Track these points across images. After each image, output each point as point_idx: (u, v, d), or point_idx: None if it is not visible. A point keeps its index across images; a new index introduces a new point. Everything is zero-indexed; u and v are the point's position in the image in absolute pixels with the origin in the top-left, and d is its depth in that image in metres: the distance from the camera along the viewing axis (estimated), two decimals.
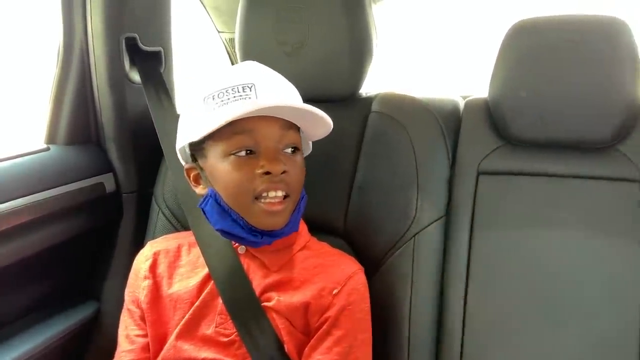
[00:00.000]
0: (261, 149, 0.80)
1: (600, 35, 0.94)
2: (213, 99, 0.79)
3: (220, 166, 0.81)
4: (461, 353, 0.95)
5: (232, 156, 0.80)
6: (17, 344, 1.03)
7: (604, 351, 0.90)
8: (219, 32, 1.86)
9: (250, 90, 0.78)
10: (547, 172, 0.98)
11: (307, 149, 0.92)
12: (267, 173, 0.79)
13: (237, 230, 0.82)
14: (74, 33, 1.13)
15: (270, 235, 0.83)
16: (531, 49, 0.98)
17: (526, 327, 0.93)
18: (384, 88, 1.17)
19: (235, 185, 0.80)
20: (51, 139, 1.19)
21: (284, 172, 0.79)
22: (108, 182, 1.21)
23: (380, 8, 1.52)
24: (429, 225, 0.97)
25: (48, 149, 1.14)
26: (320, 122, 0.83)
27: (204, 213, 0.85)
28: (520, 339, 0.93)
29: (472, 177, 1.01)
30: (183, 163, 0.90)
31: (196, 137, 0.81)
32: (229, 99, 0.78)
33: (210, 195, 0.84)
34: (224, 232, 0.84)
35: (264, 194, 0.80)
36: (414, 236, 0.96)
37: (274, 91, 0.80)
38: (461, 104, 1.12)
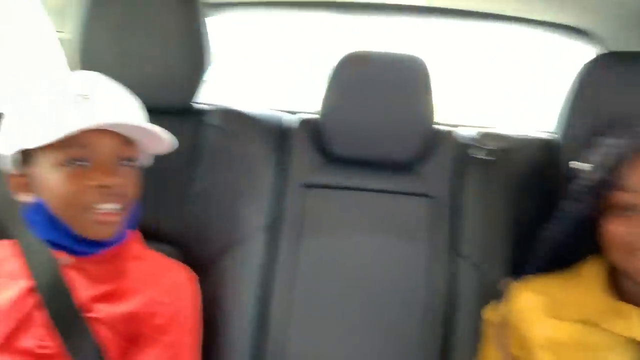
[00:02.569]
0: (96, 161, 0.80)
1: (404, 72, 1.10)
2: (47, 104, 0.78)
3: (50, 176, 0.80)
4: (283, 345, 1.05)
5: (64, 166, 0.79)
6: None
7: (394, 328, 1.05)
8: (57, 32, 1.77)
9: (87, 102, 0.78)
10: (360, 187, 1.12)
11: (148, 159, 0.93)
12: (103, 186, 0.79)
13: (66, 241, 0.82)
14: None
15: (99, 245, 0.84)
16: (355, 79, 1.11)
17: (343, 314, 1.06)
18: (221, 100, 1.24)
19: (65, 195, 0.79)
20: None
21: (117, 185, 0.81)
22: None
23: (219, 20, 1.56)
24: (256, 233, 1.06)
25: None
26: (159, 139, 0.85)
27: (29, 222, 0.84)
28: (339, 326, 1.06)
29: (298, 190, 1.12)
30: (9, 168, 0.85)
31: (32, 145, 0.78)
32: (63, 107, 0.77)
33: (39, 205, 0.82)
34: (52, 243, 0.83)
35: (97, 206, 0.80)
36: (241, 243, 1.05)
37: (112, 105, 0.81)
38: (292, 119, 1.21)
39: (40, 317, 0.82)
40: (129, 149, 0.84)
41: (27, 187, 0.84)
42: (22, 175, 0.84)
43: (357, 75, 1.11)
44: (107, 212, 0.81)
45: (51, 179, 0.80)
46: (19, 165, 0.83)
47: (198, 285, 0.94)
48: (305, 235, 1.10)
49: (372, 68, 1.11)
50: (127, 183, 0.84)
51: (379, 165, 1.13)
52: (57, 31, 1.69)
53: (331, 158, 1.14)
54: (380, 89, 1.09)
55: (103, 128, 0.79)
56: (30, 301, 0.83)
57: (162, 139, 0.85)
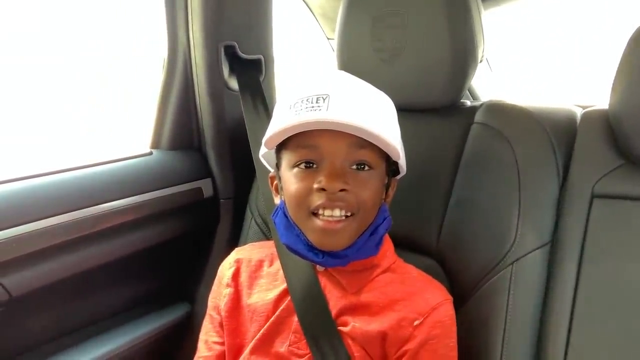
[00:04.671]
0: (324, 163, 0.75)
1: None
2: (290, 107, 0.75)
3: (286, 176, 0.79)
4: None
5: (296, 168, 0.77)
6: (109, 339, 1.08)
7: None
8: (328, 39, 1.85)
9: (324, 102, 0.72)
10: None
11: (401, 170, 0.85)
12: (323, 189, 0.74)
13: (300, 247, 0.78)
14: (177, 42, 1.18)
15: (332, 256, 0.78)
16: None
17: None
18: (493, 97, 1.08)
19: (294, 197, 0.77)
20: (155, 143, 1.24)
21: (343, 190, 0.74)
22: (206, 187, 1.24)
23: (492, 13, 1.42)
24: (530, 252, 0.87)
25: (151, 153, 1.19)
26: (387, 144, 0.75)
27: (274, 224, 0.83)
28: None
29: (585, 201, 0.89)
30: (270, 170, 0.89)
31: (263, 145, 0.80)
32: (301, 109, 0.73)
33: (280, 207, 0.81)
34: (289, 248, 0.80)
35: (320, 211, 0.75)
36: (512, 263, 0.86)
37: (347, 105, 0.73)
38: (579, 115, 1.00)
39: (294, 322, 0.82)
40: (363, 153, 0.76)
41: (278, 190, 0.84)
42: (275, 177, 0.85)
43: None
44: (331, 220, 0.75)
45: (286, 180, 0.79)
46: (274, 167, 0.84)
47: (453, 309, 0.81)
48: (590, 259, 0.86)
49: None
50: (357, 189, 0.75)
51: None
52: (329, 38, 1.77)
53: (629, 161, 0.89)
54: None
55: (330, 128, 0.72)
56: (286, 304, 0.83)
57: (388, 144, 0.75)
